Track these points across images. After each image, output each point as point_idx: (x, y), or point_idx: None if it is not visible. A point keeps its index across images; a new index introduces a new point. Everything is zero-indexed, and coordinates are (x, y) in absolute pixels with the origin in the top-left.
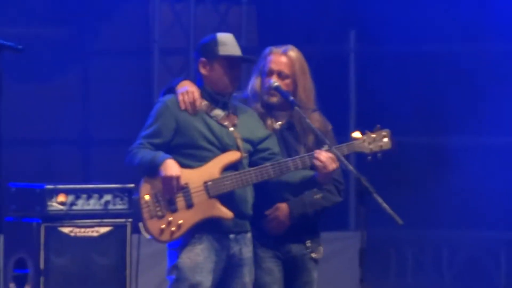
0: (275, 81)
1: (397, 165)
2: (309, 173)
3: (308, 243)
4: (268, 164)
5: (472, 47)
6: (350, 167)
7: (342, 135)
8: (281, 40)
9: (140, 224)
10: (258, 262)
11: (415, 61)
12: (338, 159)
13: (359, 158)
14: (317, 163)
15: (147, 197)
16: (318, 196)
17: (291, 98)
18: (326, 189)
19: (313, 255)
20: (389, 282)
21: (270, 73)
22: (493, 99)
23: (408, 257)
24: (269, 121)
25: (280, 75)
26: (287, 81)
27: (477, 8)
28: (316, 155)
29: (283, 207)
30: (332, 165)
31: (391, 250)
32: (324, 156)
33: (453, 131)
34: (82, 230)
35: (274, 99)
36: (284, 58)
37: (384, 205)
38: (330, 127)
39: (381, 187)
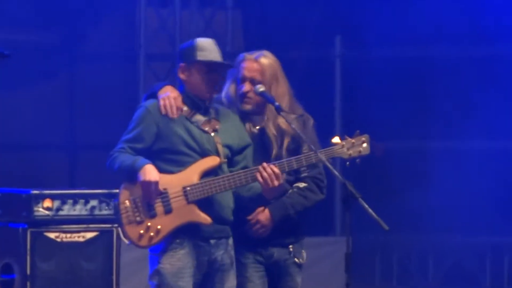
0: (260, 87)
1: (383, 170)
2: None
3: (291, 248)
4: (241, 171)
5: (457, 51)
6: (336, 172)
7: (327, 140)
8: (266, 45)
9: (119, 229)
10: (240, 270)
11: (400, 66)
12: (324, 164)
13: (345, 163)
14: (259, 179)
15: (126, 202)
16: (291, 190)
17: (277, 103)
18: (307, 188)
19: (296, 260)
20: (375, 287)
21: (243, 79)
22: (478, 104)
23: (394, 262)
24: (247, 126)
25: (253, 82)
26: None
27: (462, 11)
28: (260, 169)
29: (264, 210)
30: (274, 182)
31: (376, 255)
32: (266, 172)
33: (437, 136)
34: (68, 235)
35: (248, 107)
36: (256, 64)
37: (370, 210)
38: (310, 123)
39: (366, 192)
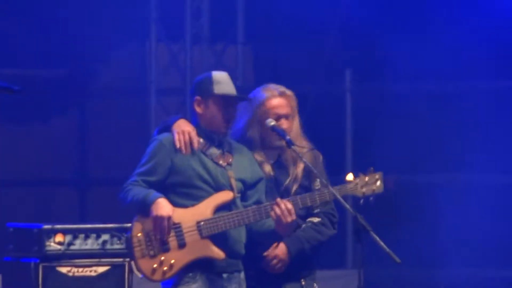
0: (270, 121)
1: (394, 202)
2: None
3: (303, 282)
4: (254, 207)
5: (468, 85)
6: (347, 206)
7: (338, 174)
8: (277, 79)
9: (132, 263)
10: None
11: (411, 99)
12: (335, 197)
13: (357, 198)
14: (272, 215)
15: (139, 235)
16: (305, 225)
17: (288, 137)
18: (321, 223)
19: None
20: None
21: (278, 118)
22: (490, 136)
23: None
24: (266, 167)
25: (287, 117)
26: (291, 120)
27: (472, 47)
28: (274, 206)
29: (280, 245)
30: (287, 219)
31: None
32: (280, 209)
33: (451, 168)
34: (80, 269)
35: (280, 143)
36: (283, 100)
37: (381, 243)
38: (319, 158)
39: (376, 225)
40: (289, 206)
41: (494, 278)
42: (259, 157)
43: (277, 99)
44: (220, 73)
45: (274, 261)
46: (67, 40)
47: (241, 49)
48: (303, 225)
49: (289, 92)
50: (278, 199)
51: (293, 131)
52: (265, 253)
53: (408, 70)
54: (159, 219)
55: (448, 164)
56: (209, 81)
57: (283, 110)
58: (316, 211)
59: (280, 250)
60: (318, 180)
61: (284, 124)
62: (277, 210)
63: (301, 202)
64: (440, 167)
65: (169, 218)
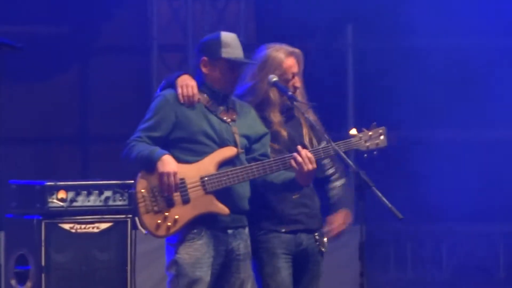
0: (273, 77)
1: (397, 159)
2: (292, 174)
3: (317, 235)
4: (259, 163)
5: (469, 41)
6: (349, 162)
7: (340, 131)
8: (278, 35)
9: (137, 219)
10: (271, 259)
11: (413, 55)
12: (338, 155)
13: (358, 154)
14: (293, 164)
15: (143, 191)
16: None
17: (290, 93)
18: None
19: (321, 248)
20: (389, 276)
21: (292, 77)
22: (493, 93)
23: (408, 251)
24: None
25: (299, 75)
26: (298, 78)
27: (472, 2)
28: (294, 155)
29: (342, 212)
30: (308, 166)
31: (390, 244)
32: (301, 157)
33: (452, 124)
34: (83, 226)
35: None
36: (294, 58)
37: (384, 199)
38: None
39: (379, 181)
40: (310, 154)
41: (494, 233)
42: (275, 117)
43: (291, 59)
44: (229, 35)
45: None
46: None
47: (243, 5)
48: (332, 192)
49: (297, 50)
50: (299, 147)
51: (300, 88)
52: (328, 229)
53: (409, 25)
54: (165, 175)
55: (452, 119)
56: (218, 43)
57: (296, 69)
58: (333, 173)
59: (345, 215)
60: (324, 142)
61: (297, 82)
62: (299, 158)
63: (314, 154)
64: (443, 122)
65: (175, 174)
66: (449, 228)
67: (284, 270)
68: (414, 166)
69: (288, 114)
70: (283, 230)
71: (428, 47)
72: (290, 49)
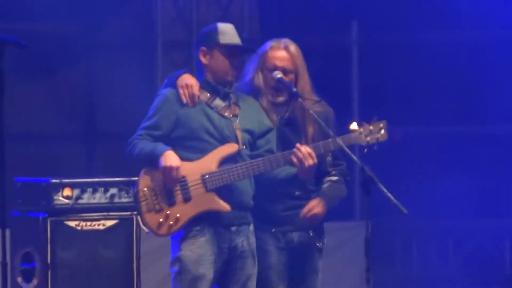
0: (277, 73)
1: (402, 154)
2: (293, 170)
3: (311, 232)
4: (260, 159)
5: (475, 36)
6: (354, 157)
7: (345, 126)
8: (282, 31)
9: (139, 218)
10: (262, 256)
11: (417, 51)
12: (342, 150)
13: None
14: (293, 159)
15: (145, 190)
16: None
17: (294, 89)
18: (339, 181)
19: (317, 244)
20: (395, 271)
21: (274, 69)
22: (500, 87)
23: (413, 246)
24: (273, 116)
25: (285, 72)
26: (291, 76)
27: None
28: (294, 151)
29: (318, 203)
30: (308, 161)
31: (396, 239)
32: (300, 153)
33: (458, 119)
34: (88, 223)
35: (281, 99)
36: (286, 53)
37: (389, 194)
38: (332, 116)
39: (384, 177)
40: (309, 149)
41: (501, 228)
42: (265, 104)
43: (280, 51)
44: (225, 24)
45: (312, 219)
46: None
47: (247, 1)
48: (325, 185)
49: (293, 48)
50: (298, 144)
51: (299, 89)
52: (302, 214)
53: (414, 21)
54: (168, 170)
55: (457, 114)
56: (215, 31)
57: (282, 63)
58: (331, 170)
59: (318, 207)
60: (330, 140)
61: (277, 75)
62: (299, 154)
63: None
64: (448, 118)
65: (177, 168)
66: (455, 223)
67: (275, 256)
68: (420, 161)
69: (288, 115)
70: (273, 230)
71: (433, 42)
72: (287, 43)
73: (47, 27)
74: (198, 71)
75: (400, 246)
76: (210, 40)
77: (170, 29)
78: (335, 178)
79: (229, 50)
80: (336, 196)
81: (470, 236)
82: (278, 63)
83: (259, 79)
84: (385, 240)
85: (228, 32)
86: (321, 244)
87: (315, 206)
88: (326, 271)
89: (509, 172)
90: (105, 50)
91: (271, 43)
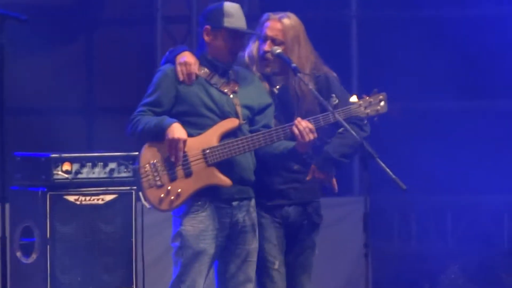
0: (277, 48)
1: (401, 129)
2: (291, 144)
3: (309, 209)
4: (260, 133)
5: (474, 11)
6: (352, 132)
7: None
8: (283, 6)
9: (140, 194)
10: (259, 230)
11: (416, 26)
12: (341, 124)
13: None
14: (295, 131)
15: (146, 166)
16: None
17: (294, 64)
18: (345, 130)
19: (314, 219)
20: (393, 246)
21: (265, 39)
22: (497, 63)
23: (412, 222)
24: (265, 85)
25: (274, 42)
26: (282, 47)
27: None
28: (295, 123)
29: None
30: (309, 136)
31: (395, 214)
32: (301, 126)
33: (457, 95)
34: (88, 198)
35: (268, 70)
36: (279, 24)
37: (387, 170)
38: (332, 82)
39: (382, 152)
40: (309, 124)
41: (499, 204)
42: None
43: (273, 22)
44: (232, 5)
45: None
46: None
47: None
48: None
49: (288, 22)
50: (299, 118)
51: (301, 60)
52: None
53: None
54: (175, 141)
55: (454, 90)
56: (221, 12)
57: (272, 33)
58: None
59: (311, 170)
60: (333, 96)
61: (267, 46)
62: (300, 126)
63: (314, 122)
64: (445, 93)
65: (184, 141)
66: (454, 199)
67: (272, 230)
68: (419, 137)
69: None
70: (268, 204)
71: (433, 17)
72: (282, 15)
73: (46, 2)
74: (199, 46)
75: (399, 221)
76: (215, 21)
77: (169, 3)
78: (340, 130)
79: (233, 34)
80: (336, 147)
81: (469, 211)
82: (268, 33)
83: (254, 48)
84: (384, 215)
85: (234, 15)
86: (318, 219)
87: (314, 170)
88: (324, 246)
89: (507, 148)
90: (105, 24)
91: (270, 14)
